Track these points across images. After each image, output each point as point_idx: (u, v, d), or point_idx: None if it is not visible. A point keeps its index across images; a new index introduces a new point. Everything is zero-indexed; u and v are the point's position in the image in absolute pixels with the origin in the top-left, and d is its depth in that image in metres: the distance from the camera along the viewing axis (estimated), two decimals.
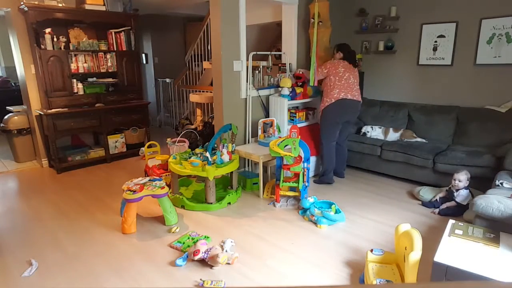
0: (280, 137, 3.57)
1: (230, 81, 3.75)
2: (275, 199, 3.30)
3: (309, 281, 2.18)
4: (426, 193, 3.33)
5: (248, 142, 3.99)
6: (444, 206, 3.03)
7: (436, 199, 3.18)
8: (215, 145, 3.68)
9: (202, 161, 3.16)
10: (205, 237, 2.63)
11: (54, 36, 4.12)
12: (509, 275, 1.67)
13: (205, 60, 6.00)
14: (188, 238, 2.62)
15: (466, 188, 3.02)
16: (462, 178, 3.00)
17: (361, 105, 3.72)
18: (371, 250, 2.14)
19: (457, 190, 3.02)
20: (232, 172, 3.44)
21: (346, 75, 3.56)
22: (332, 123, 3.63)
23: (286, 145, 3.26)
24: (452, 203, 3.01)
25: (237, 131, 3.74)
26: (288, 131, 3.80)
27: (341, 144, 3.86)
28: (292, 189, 3.33)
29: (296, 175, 3.28)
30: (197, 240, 2.51)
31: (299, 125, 3.95)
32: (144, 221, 2.98)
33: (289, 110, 4.06)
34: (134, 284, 2.13)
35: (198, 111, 5.83)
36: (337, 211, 2.97)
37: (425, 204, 3.23)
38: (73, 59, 4.30)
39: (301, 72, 4.09)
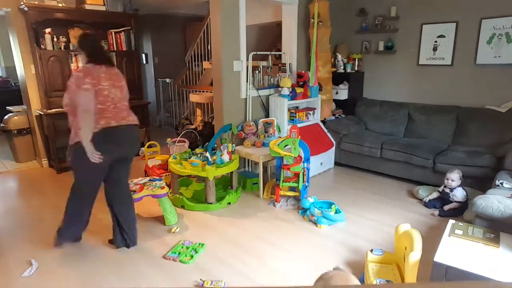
0: (280, 137, 3.57)
1: (230, 81, 3.75)
2: (275, 199, 3.30)
3: (309, 281, 2.17)
4: (425, 192, 3.33)
5: None
6: (446, 208, 3.02)
7: (429, 200, 3.18)
8: (215, 145, 3.67)
9: (202, 161, 3.16)
10: (199, 244, 2.56)
11: (54, 36, 4.12)
12: (509, 275, 1.67)
13: (205, 60, 6.00)
14: (182, 247, 2.52)
15: (459, 186, 3.03)
16: (454, 177, 3.01)
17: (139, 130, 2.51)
18: (371, 250, 2.14)
19: (451, 190, 3.02)
20: (232, 172, 3.44)
21: (113, 91, 2.27)
22: (92, 166, 2.21)
23: (286, 145, 3.26)
24: (454, 204, 3.00)
25: (237, 131, 3.74)
26: (288, 131, 3.80)
27: (120, 199, 2.48)
28: (292, 189, 3.33)
29: (296, 175, 3.28)
30: (192, 249, 2.48)
31: (299, 125, 3.95)
32: (144, 221, 2.98)
33: (289, 110, 4.06)
34: (134, 284, 2.13)
35: (198, 111, 5.83)
36: (337, 211, 2.97)
37: (427, 204, 3.21)
38: (73, 59, 4.29)
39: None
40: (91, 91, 2.17)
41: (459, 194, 2.99)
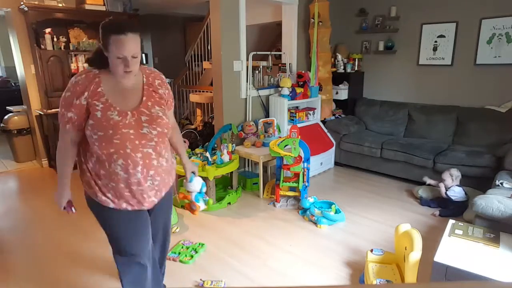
0: (280, 137, 3.57)
1: (230, 81, 3.75)
2: (275, 199, 3.30)
3: (309, 281, 2.17)
4: (425, 192, 3.33)
5: None
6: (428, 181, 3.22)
7: (432, 200, 3.21)
8: (215, 145, 3.67)
9: (202, 161, 3.16)
10: (199, 244, 2.56)
11: (54, 36, 4.12)
12: (509, 275, 1.67)
13: (205, 60, 5.99)
14: (182, 247, 2.52)
15: (458, 185, 3.05)
16: (445, 177, 3.09)
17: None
18: (371, 250, 2.14)
19: (447, 190, 3.06)
20: (232, 172, 3.44)
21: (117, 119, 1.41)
22: None
23: (286, 145, 3.26)
24: (434, 182, 3.22)
25: (237, 131, 3.74)
26: (288, 131, 3.80)
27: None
28: (292, 189, 3.33)
29: (296, 175, 3.28)
30: (192, 249, 2.48)
31: (299, 125, 3.95)
32: None
33: (289, 110, 4.06)
34: None
35: (198, 111, 5.83)
36: (337, 211, 2.97)
37: (423, 203, 3.23)
38: (73, 59, 4.30)
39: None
40: None
41: (456, 193, 3.03)
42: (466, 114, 3.87)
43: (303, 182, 3.25)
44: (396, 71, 4.62)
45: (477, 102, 3.97)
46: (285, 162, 3.29)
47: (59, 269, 2.30)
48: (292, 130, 3.54)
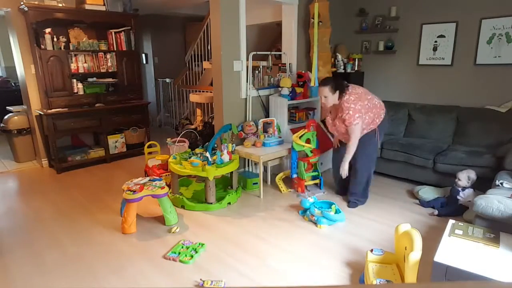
0: (302, 129, 3.65)
1: (230, 81, 3.75)
2: (298, 191, 3.52)
3: (309, 281, 2.18)
4: (426, 193, 3.33)
5: None
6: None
7: (433, 205, 3.18)
8: (215, 145, 3.67)
9: (202, 161, 3.16)
10: (199, 244, 2.56)
11: (54, 36, 4.12)
12: (509, 275, 1.67)
13: (205, 60, 6.00)
14: (182, 247, 2.51)
15: (470, 187, 3.03)
16: (461, 177, 3.02)
17: None
18: (371, 250, 2.14)
19: (463, 189, 3.03)
20: (232, 172, 3.44)
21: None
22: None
23: (301, 136, 3.47)
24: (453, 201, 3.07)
25: (237, 131, 3.74)
26: (288, 131, 3.82)
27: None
28: (313, 178, 3.61)
29: (310, 165, 3.57)
30: (192, 249, 2.48)
31: (299, 125, 3.95)
32: (144, 221, 2.98)
33: (289, 110, 4.06)
34: (134, 284, 2.13)
35: (198, 111, 5.83)
36: (337, 211, 2.97)
37: (422, 203, 3.23)
38: (73, 59, 4.30)
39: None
40: None
41: (466, 193, 3.01)
42: (466, 114, 3.88)
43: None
44: (396, 71, 4.62)
45: (477, 102, 3.97)
46: (307, 155, 3.52)
47: (60, 269, 2.30)
48: (311, 124, 3.61)
